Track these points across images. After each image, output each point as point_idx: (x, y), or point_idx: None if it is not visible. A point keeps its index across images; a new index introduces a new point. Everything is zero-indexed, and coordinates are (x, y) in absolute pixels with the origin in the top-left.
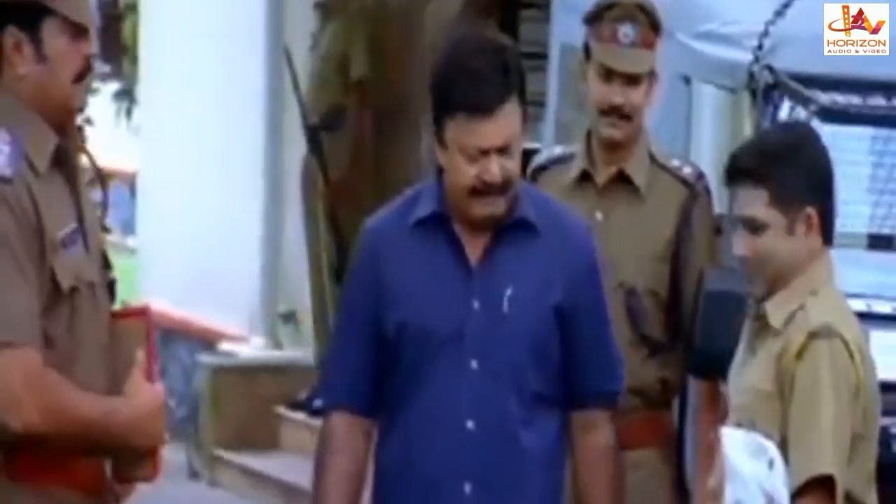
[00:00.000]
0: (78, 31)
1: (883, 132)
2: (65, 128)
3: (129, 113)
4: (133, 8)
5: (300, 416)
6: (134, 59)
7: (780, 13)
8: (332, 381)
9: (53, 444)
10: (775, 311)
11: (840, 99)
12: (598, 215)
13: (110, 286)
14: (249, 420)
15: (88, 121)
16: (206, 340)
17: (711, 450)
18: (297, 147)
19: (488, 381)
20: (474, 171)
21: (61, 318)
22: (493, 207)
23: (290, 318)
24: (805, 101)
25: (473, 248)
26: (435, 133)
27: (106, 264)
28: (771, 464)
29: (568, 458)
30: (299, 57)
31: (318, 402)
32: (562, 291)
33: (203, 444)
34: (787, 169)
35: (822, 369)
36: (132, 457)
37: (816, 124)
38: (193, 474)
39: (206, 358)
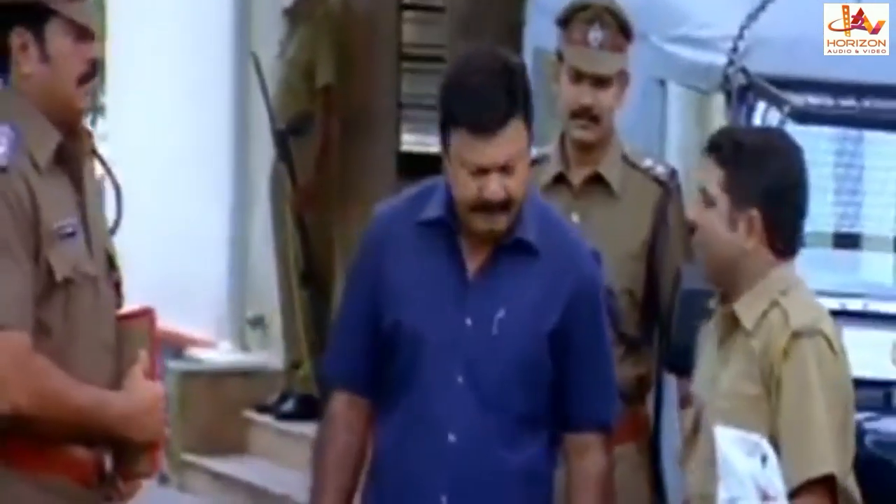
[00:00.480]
0: (81, 33)
1: (853, 133)
2: (71, 127)
3: (93, 122)
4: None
5: (268, 419)
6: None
7: (753, 17)
8: (335, 362)
9: (43, 428)
10: (745, 311)
11: (813, 100)
12: (574, 217)
13: (117, 287)
14: (218, 424)
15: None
16: (174, 345)
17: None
18: (263, 152)
19: (473, 398)
20: (475, 186)
21: (56, 307)
22: (493, 224)
23: (257, 322)
24: (778, 103)
25: (473, 260)
26: (441, 142)
27: (112, 265)
28: (764, 460)
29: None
30: (266, 63)
31: (286, 406)
32: (559, 316)
33: (172, 448)
34: (745, 167)
35: (810, 368)
36: (130, 452)
37: (790, 125)
38: (163, 479)
39: (173, 363)
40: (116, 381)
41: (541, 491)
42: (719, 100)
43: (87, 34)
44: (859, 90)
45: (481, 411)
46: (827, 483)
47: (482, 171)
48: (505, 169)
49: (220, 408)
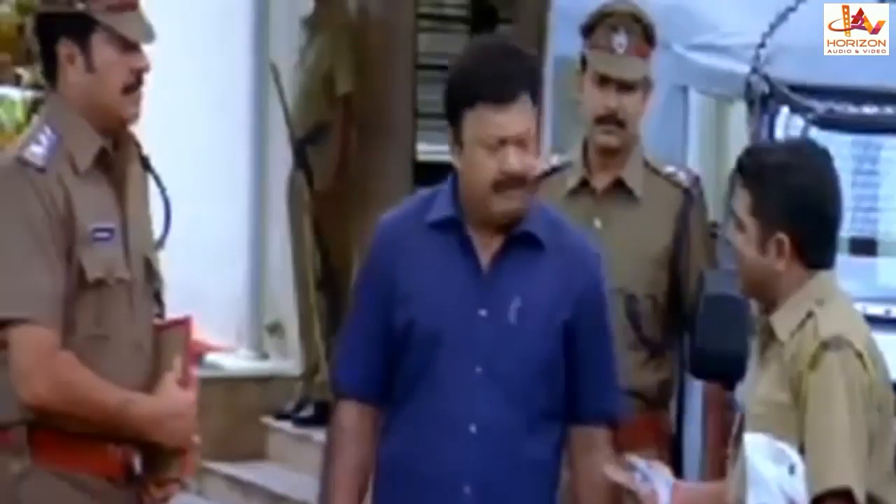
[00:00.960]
0: (127, 44)
1: (870, 139)
2: (115, 134)
3: None
4: None
5: (286, 426)
6: None
7: (775, 25)
8: (343, 371)
9: (68, 422)
10: (781, 324)
11: (835, 107)
12: (597, 222)
13: (157, 296)
14: (236, 431)
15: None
16: (192, 352)
17: (721, 445)
18: (281, 161)
19: (493, 389)
20: (494, 164)
21: (87, 307)
22: (514, 202)
23: (275, 329)
24: (802, 110)
25: (485, 255)
26: (452, 134)
27: (150, 274)
28: (792, 469)
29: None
30: (284, 72)
31: (304, 412)
32: (569, 309)
33: None
34: (769, 189)
35: (836, 381)
36: (161, 457)
37: (814, 131)
38: (181, 485)
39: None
40: (150, 386)
41: (553, 485)
42: (740, 108)
43: (132, 45)
44: (880, 97)
45: (502, 401)
46: (845, 497)
47: (501, 144)
48: (521, 143)
49: (238, 414)
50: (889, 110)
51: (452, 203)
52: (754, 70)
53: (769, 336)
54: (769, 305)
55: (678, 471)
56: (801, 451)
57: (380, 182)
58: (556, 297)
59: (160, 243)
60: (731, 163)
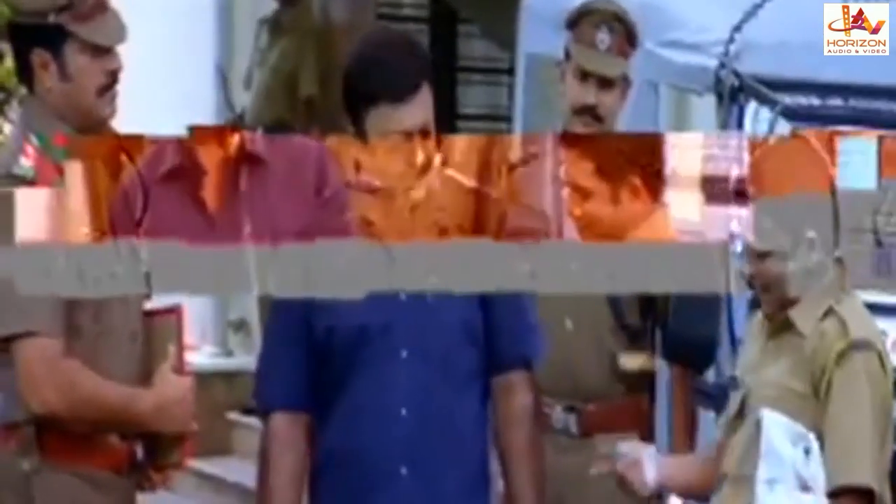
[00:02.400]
0: (100, 49)
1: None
2: (94, 131)
3: None
4: None
5: (253, 420)
6: None
7: (744, 21)
8: (268, 386)
9: (76, 425)
10: (802, 318)
11: (801, 100)
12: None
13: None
14: (203, 426)
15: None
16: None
17: (687, 429)
18: None
19: (419, 368)
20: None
21: (87, 308)
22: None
23: (240, 326)
24: (769, 102)
25: None
26: (354, 129)
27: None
28: (808, 452)
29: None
30: (242, 71)
31: None
32: None
33: None
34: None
35: (862, 381)
36: (162, 444)
37: (781, 123)
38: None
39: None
40: (144, 372)
41: (484, 436)
42: (700, 102)
43: (105, 49)
44: (846, 90)
45: (430, 377)
46: (865, 494)
47: (407, 138)
48: (424, 134)
49: (204, 410)
50: (852, 103)
51: None
52: (723, 65)
53: (783, 326)
54: (790, 303)
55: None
56: (817, 439)
57: None
58: None
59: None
60: None
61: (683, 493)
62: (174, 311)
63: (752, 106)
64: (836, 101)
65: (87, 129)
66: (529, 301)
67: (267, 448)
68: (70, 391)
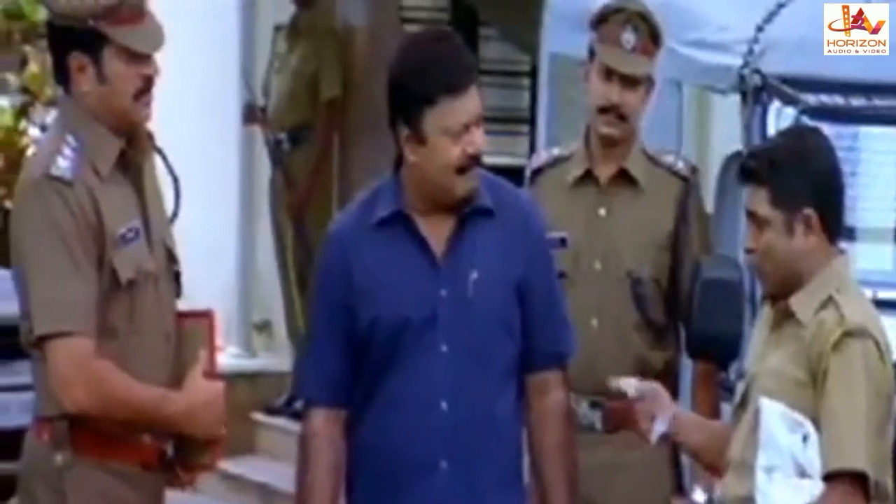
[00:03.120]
0: (137, 55)
1: (864, 129)
2: (130, 136)
3: None
4: None
5: (276, 420)
6: None
7: (767, 20)
8: (310, 380)
9: (107, 423)
10: (802, 307)
11: (825, 99)
12: (602, 211)
13: (176, 277)
14: (227, 426)
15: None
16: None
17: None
18: (268, 161)
19: (459, 362)
20: (458, 149)
21: (121, 308)
22: (473, 181)
23: (263, 327)
24: (793, 102)
25: (436, 241)
26: (408, 131)
27: (171, 258)
28: (805, 438)
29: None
30: (259, 77)
31: (297, 405)
32: (522, 267)
33: None
34: (789, 174)
35: (858, 367)
36: (193, 446)
37: (804, 122)
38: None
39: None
40: (176, 372)
41: (520, 434)
42: (723, 101)
43: (142, 55)
44: (868, 89)
45: (468, 373)
46: (858, 479)
47: (465, 129)
48: (479, 123)
49: (228, 410)
50: (876, 102)
51: (398, 198)
52: (746, 64)
53: (784, 316)
54: (791, 292)
55: (674, 448)
56: (814, 426)
57: (365, 184)
58: (508, 258)
59: (172, 219)
60: (715, 153)
61: (691, 454)
62: (206, 315)
63: (775, 105)
64: (859, 100)
65: (122, 131)
66: (563, 299)
67: (306, 443)
68: (101, 391)
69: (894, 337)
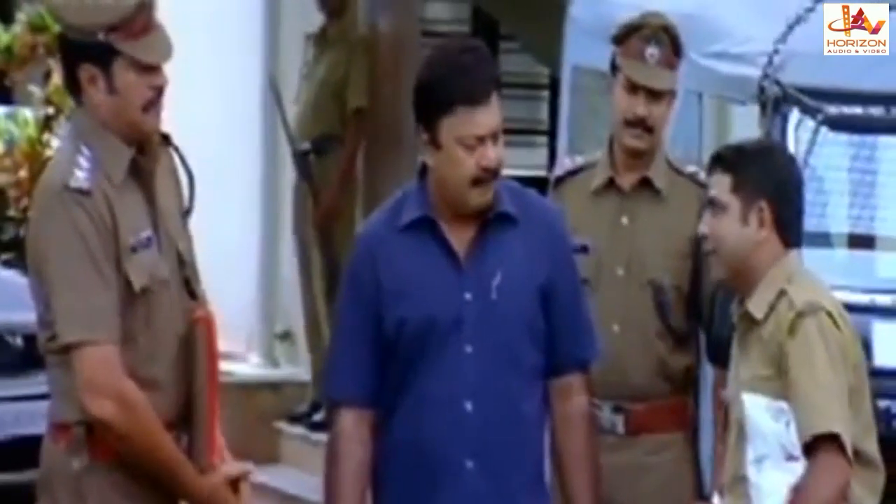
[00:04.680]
0: (147, 66)
1: (883, 139)
2: (141, 144)
3: None
4: None
5: (298, 429)
6: None
7: (787, 33)
8: (338, 379)
9: (121, 444)
10: (755, 306)
11: (844, 109)
12: (624, 219)
13: (186, 281)
14: (250, 435)
15: (167, 137)
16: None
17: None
18: (291, 172)
19: (483, 364)
20: (473, 160)
21: (138, 315)
22: (487, 195)
23: (285, 337)
24: (812, 112)
25: (460, 245)
26: (427, 136)
27: (181, 263)
28: (788, 423)
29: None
30: (291, 83)
31: (316, 417)
32: (546, 272)
33: None
34: (753, 165)
35: (814, 340)
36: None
37: (824, 131)
38: None
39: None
40: (186, 374)
41: (543, 435)
42: (742, 111)
43: (151, 67)
44: (887, 99)
45: (493, 374)
46: (836, 442)
47: (480, 142)
48: (495, 137)
49: (251, 419)
50: (894, 112)
51: (424, 202)
52: (766, 75)
53: (749, 324)
54: (746, 288)
55: (695, 453)
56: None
57: (387, 193)
58: (532, 263)
59: (186, 215)
60: None
61: None
62: (202, 320)
63: (794, 115)
64: (877, 110)
65: (133, 141)
66: (587, 304)
67: (335, 443)
68: (129, 407)
69: None
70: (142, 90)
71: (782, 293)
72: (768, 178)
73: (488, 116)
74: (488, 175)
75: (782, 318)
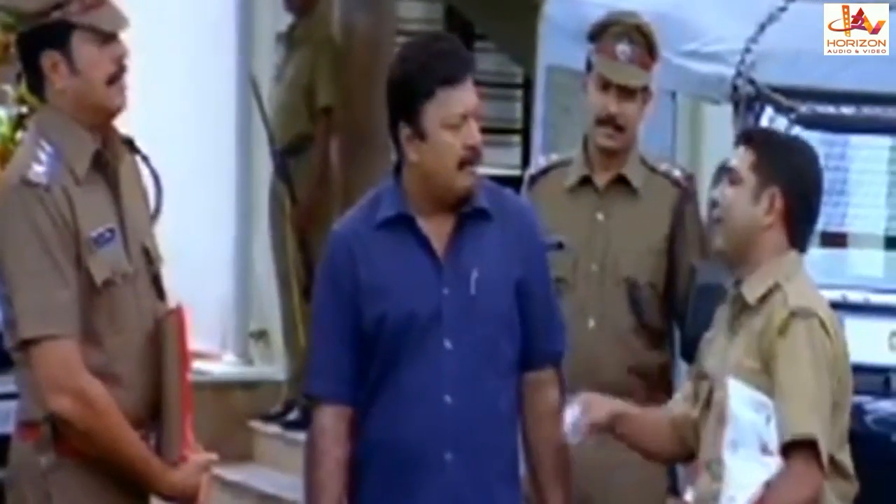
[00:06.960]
0: (105, 37)
1: (854, 137)
2: (106, 132)
3: None
4: None
5: (273, 428)
6: None
7: (760, 32)
8: (317, 376)
9: (83, 440)
10: (750, 290)
11: (816, 108)
12: (599, 216)
13: (155, 279)
14: (224, 434)
15: (131, 142)
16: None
17: None
18: (266, 171)
19: (462, 358)
20: (460, 141)
21: (102, 311)
22: (472, 177)
23: (260, 336)
24: (785, 110)
25: (438, 242)
26: (409, 130)
27: (149, 259)
28: (768, 419)
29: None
30: (265, 84)
31: (291, 416)
32: (520, 268)
33: None
34: (777, 151)
35: (802, 344)
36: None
37: (796, 130)
38: None
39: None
40: (156, 372)
41: (517, 430)
42: (715, 110)
43: (110, 37)
44: (858, 98)
45: (472, 368)
46: (813, 449)
47: (464, 119)
48: (476, 117)
49: (225, 418)
50: (866, 111)
51: (400, 200)
52: (740, 74)
53: (741, 306)
54: (742, 266)
55: None
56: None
57: (364, 192)
58: (508, 259)
59: (153, 218)
60: (707, 161)
61: (631, 446)
62: (175, 311)
63: (767, 114)
64: (849, 109)
65: (99, 126)
66: (557, 300)
67: (316, 441)
68: (89, 403)
69: (886, 341)
70: (104, 64)
71: (778, 286)
72: (788, 169)
73: (468, 94)
74: (474, 154)
75: (775, 313)
